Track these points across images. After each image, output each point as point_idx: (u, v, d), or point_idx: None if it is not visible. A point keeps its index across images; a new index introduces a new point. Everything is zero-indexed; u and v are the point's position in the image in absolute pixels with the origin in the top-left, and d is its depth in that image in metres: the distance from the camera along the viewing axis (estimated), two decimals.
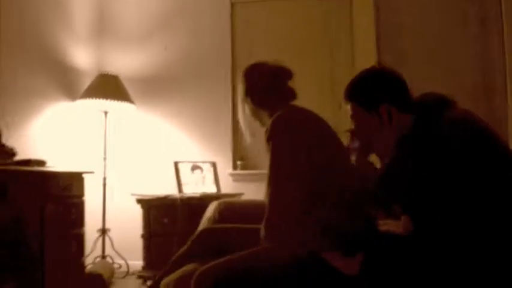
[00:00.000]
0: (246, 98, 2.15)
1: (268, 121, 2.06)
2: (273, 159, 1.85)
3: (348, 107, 1.87)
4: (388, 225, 2.35)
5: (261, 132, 2.03)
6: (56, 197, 3.25)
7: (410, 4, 4.48)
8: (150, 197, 4.03)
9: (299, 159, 1.83)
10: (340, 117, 4.26)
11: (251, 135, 2.25)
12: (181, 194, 3.95)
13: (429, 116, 1.71)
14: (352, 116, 1.86)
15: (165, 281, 2.12)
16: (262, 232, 1.82)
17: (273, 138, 1.86)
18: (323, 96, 4.45)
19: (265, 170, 1.94)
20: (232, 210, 2.85)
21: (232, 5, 4.73)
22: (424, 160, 1.61)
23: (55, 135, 4.13)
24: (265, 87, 2.11)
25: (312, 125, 1.96)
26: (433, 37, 4.02)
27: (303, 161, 1.83)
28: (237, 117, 2.27)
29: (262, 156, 1.95)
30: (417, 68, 4.25)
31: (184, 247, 2.24)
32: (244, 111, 2.20)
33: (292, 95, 2.15)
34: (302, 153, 1.84)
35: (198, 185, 4.16)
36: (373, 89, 1.82)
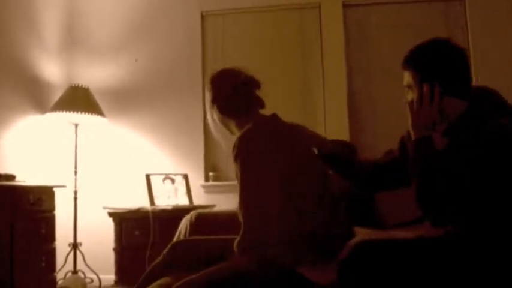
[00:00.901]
0: (213, 106, 2.13)
1: (236, 130, 2.07)
2: (242, 179, 1.83)
3: (405, 73, 1.86)
4: (367, 234, 2.38)
5: (233, 140, 2.02)
6: (25, 212, 3.21)
7: (377, 13, 4.59)
8: (122, 210, 4.00)
9: (267, 175, 1.82)
10: (311, 125, 4.34)
11: (224, 139, 2.22)
12: (153, 207, 3.93)
13: (485, 115, 1.71)
14: (407, 85, 1.86)
15: None
16: (236, 248, 1.82)
17: (240, 157, 1.84)
18: (294, 104, 4.51)
19: (236, 181, 1.93)
20: (205, 222, 2.85)
21: (203, 17, 4.75)
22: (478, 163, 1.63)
23: (25, 149, 4.08)
24: (232, 96, 2.08)
25: (280, 137, 1.94)
26: (402, 48, 4.10)
27: (272, 176, 1.82)
28: (209, 128, 2.24)
29: (233, 168, 1.94)
30: (386, 78, 4.34)
31: (157, 260, 2.23)
32: (212, 117, 2.17)
33: (260, 104, 2.13)
34: (270, 168, 1.82)
35: (170, 197, 4.15)
36: (428, 62, 1.80)
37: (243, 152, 1.85)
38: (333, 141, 3.58)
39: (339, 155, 2.13)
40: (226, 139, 2.21)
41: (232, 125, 2.12)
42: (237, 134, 2.05)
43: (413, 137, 1.79)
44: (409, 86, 1.84)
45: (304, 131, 2.10)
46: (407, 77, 1.85)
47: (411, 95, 1.83)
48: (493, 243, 1.60)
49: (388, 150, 2.17)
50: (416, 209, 1.78)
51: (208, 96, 2.16)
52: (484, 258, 1.59)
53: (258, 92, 2.14)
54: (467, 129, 1.70)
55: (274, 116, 2.07)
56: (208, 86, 2.16)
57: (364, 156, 2.32)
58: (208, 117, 2.20)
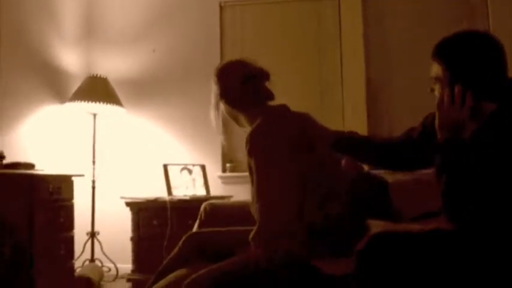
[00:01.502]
0: (221, 99, 2.10)
1: (245, 123, 2.05)
2: (258, 174, 1.82)
3: (434, 64, 1.76)
4: (381, 226, 2.36)
5: (241, 133, 2.00)
6: (45, 201, 3.24)
7: (397, 8, 4.53)
8: (139, 200, 4.02)
9: (283, 171, 1.80)
10: (327, 120, 4.33)
11: (224, 137, 2.20)
12: (170, 197, 3.94)
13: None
14: (435, 77, 1.76)
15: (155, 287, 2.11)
16: (252, 242, 1.81)
17: (254, 152, 1.83)
18: (311, 97, 4.48)
19: (249, 174, 1.91)
20: (219, 212, 2.86)
21: (221, 8, 4.74)
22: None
23: (44, 138, 4.12)
24: (241, 88, 2.05)
25: (291, 128, 1.91)
26: (422, 38, 4.04)
27: (287, 172, 1.80)
28: (227, 119, 2.22)
29: (246, 161, 1.92)
30: (405, 71, 4.30)
31: (173, 252, 2.24)
32: (217, 111, 2.14)
33: (269, 95, 2.08)
34: (285, 163, 1.81)
35: (187, 187, 4.16)
36: (463, 61, 1.69)
37: (256, 147, 1.83)
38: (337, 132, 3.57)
39: (355, 138, 2.10)
40: (235, 134, 2.19)
41: (242, 118, 2.09)
42: (246, 126, 2.03)
43: (439, 137, 1.72)
44: (437, 79, 1.75)
45: (312, 120, 2.07)
46: (436, 69, 1.75)
47: (438, 89, 1.75)
48: (507, 238, 1.58)
49: (408, 129, 2.09)
50: (431, 202, 1.75)
51: (214, 90, 2.12)
52: (500, 252, 1.57)
53: (268, 84, 2.10)
54: (497, 130, 1.63)
55: (284, 107, 2.03)
56: (214, 79, 2.13)
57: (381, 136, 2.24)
58: (211, 112, 2.17)
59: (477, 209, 1.61)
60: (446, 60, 1.72)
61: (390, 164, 2.14)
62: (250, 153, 1.84)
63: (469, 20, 4.35)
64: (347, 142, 2.09)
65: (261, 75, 2.08)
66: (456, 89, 1.67)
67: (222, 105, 2.12)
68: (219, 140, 4.40)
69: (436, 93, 1.77)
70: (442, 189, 1.68)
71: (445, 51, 1.74)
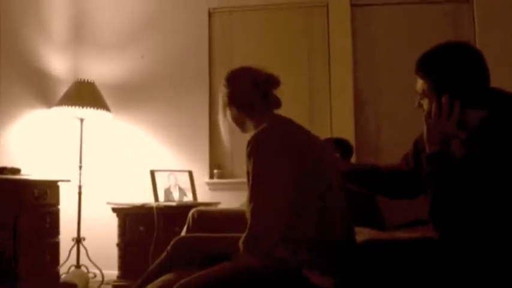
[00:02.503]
0: (230, 103, 2.09)
1: (251, 129, 2.05)
2: (255, 176, 1.81)
3: (419, 80, 1.79)
4: (366, 234, 2.37)
5: (240, 140, 2.00)
6: (30, 206, 3.22)
7: (386, 16, 4.58)
8: (126, 206, 4.01)
9: (280, 174, 1.80)
10: (315, 127, 4.36)
11: (231, 139, 2.20)
12: (157, 203, 3.93)
13: (503, 124, 1.66)
14: (421, 92, 1.79)
15: None
16: (243, 246, 1.81)
17: (254, 154, 1.82)
18: (300, 104, 4.50)
19: (241, 179, 1.92)
20: (207, 219, 2.85)
21: (210, 14, 4.75)
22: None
23: (30, 143, 4.09)
24: (252, 93, 2.05)
25: (294, 140, 1.90)
26: (409, 49, 4.09)
27: (284, 177, 1.81)
28: (214, 125, 2.22)
29: (239, 165, 1.92)
30: (392, 79, 4.33)
31: (161, 257, 2.23)
32: (225, 116, 2.13)
33: (277, 103, 2.09)
34: (283, 169, 1.81)
35: (174, 194, 4.15)
36: (445, 72, 1.71)
37: (257, 150, 1.83)
38: (329, 139, 3.59)
39: (363, 169, 2.13)
40: (234, 140, 2.19)
41: (248, 123, 2.08)
42: (251, 132, 2.03)
43: (427, 150, 1.75)
44: (423, 93, 1.78)
45: (314, 136, 2.09)
46: (421, 84, 1.78)
47: (426, 103, 1.77)
48: (497, 247, 1.59)
49: (405, 155, 2.13)
50: (417, 210, 1.76)
51: (224, 94, 2.11)
52: (488, 260, 1.58)
53: (276, 92, 2.11)
54: (486, 140, 1.65)
55: (290, 120, 2.05)
56: (224, 83, 2.11)
57: (384, 164, 2.28)
58: (220, 116, 2.16)
59: (464, 219, 1.62)
60: (429, 74, 1.75)
61: (397, 194, 2.17)
62: (250, 155, 1.83)
63: (456, 28, 4.41)
64: (359, 175, 2.12)
65: (272, 82, 2.09)
66: (443, 99, 1.70)
67: (229, 110, 2.11)
68: (207, 146, 4.48)
69: (425, 107, 1.79)
70: (430, 200, 1.69)
71: (426, 66, 1.77)
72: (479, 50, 1.75)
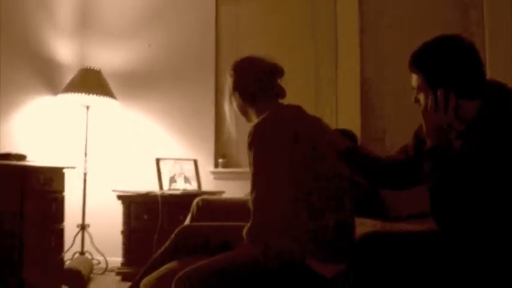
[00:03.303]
0: (235, 92, 2.10)
1: (255, 118, 2.05)
2: (256, 166, 1.81)
3: (414, 75, 1.81)
4: (370, 225, 2.37)
5: (245, 129, 2.01)
6: (36, 192, 3.23)
7: (394, 5, 4.53)
8: (130, 194, 4.02)
9: (281, 165, 1.80)
10: (322, 115, 4.34)
11: (236, 129, 2.20)
12: (162, 191, 3.94)
13: (499, 116, 1.67)
14: (416, 87, 1.81)
15: (145, 280, 2.11)
16: (246, 237, 1.82)
17: (255, 145, 1.82)
18: (306, 94, 4.47)
19: (246, 169, 1.92)
20: (211, 208, 2.86)
21: (217, 3, 4.72)
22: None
23: (36, 129, 4.10)
24: (255, 83, 2.06)
25: (295, 129, 1.89)
26: (417, 37, 4.07)
27: (285, 167, 1.81)
28: (220, 114, 2.23)
29: (244, 155, 1.92)
30: (399, 69, 4.30)
31: (165, 245, 2.24)
32: (231, 104, 2.15)
33: (282, 93, 2.10)
34: (284, 158, 1.81)
35: (179, 182, 4.16)
36: (437, 66, 1.73)
37: (257, 140, 1.83)
38: (334, 130, 3.58)
39: (364, 155, 2.12)
40: (239, 129, 2.19)
41: (252, 113, 2.09)
42: (254, 121, 2.03)
43: (428, 144, 1.76)
44: (419, 88, 1.79)
45: (324, 125, 2.08)
46: (415, 79, 1.80)
47: (422, 98, 1.78)
48: (496, 239, 1.59)
49: (403, 146, 2.13)
50: (422, 203, 1.76)
51: (229, 83, 2.13)
52: (488, 252, 1.59)
53: (280, 81, 2.12)
54: (482, 132, 1.66)
55: (297, 108, 2.04)
56: (230, 73, 2.12)
57: (383, 154, 2.28)
58: (226, 105, 2.18)
59: (463, 211, 1.62)
60: (423, 68, 1.76)
61: (394, 185, 2.16)
62: (250, 146, 1.83)
63: (464, 20, 4.37)
64: (357, 156, 2.11)
65: (276, 71, 2.10)
66: (439, 93, 1.71)
67: (234, 99, 2.12)
68: (212, 135, 4.48)
69: (421, 101, 1.80)
70: (430, 193, 1.70)
71: (419, 60, 1.78)
72: (471, 41, 1.76)
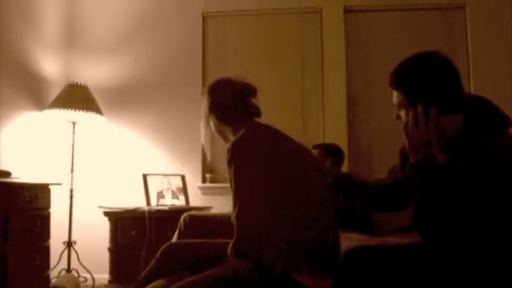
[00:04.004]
0: (211, 114, 2.14)
1: (231, 138, 2.07)
2: (236, 182, 1.83)
3: (394, 92, 1.84)
4: (356, 239, 2.37)
5: (224, 147, 2.02)
6: (21, 209, 3.19)
7: (378, 20, 4.60)
8: (117, 210, 3.99)
9: (261, 179, 1.82)
10: (308, 132, 4.37)
11: (210, 149, 2.25)
12: (149, 207, 3.92)
13: (481, 131, 1.69)
14: (397, 104, 1.83)
15: None
16: (230, 252, 1.81)
17: (234, 161, 1.84)
18: (293, 108, 4.50)
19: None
20: (198, 224, 2.85)
21: (204, 18, 4.75)
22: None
23: (21, 145, 4.06)
24: (230, 103, 2.10)
25: (273, 143, 1.93)
26: (402, 54, 4.12)
27: (265, 181, 1.82)
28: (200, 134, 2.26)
29: (227, 172, 1.94)
30: (385, 83, 4.34)
31: (151, 263, 2.22)
32: (207, 126, 2.19)
33: (256, 111, 2.15)
34: (264, 173, 1.82)
35: (166, 198, 4.14)
36: (417, 82, 1.75)
37: (236, 156, 1.85)
38: (321, 145, 3.60)
39: (353, 180, 2.14)
40: (214, 148, 2.23)
41: (229, 133, 2.12)
42: (232, 140, 2.05)
43: (411, 160, 1.78)
44: (400, 105, 1.82)
45: (295, 141, 2.10)
46: (396, 96, 1.83)
47: (403, 114, 1.81)
48: (482, 253, 1.60)
49: (391, 168, 2.15)
50: (409, 216, 1.77)
51: (205, 105, 2.17)
52: (474, 266, 1.59)
53: (254, 100, 2.16)
54: (465, 146, 1.68)
55: (269, 126, 2.07)
56: (205, 95, 2.17)
57: (374, 179, 2.30)
58: (202, 128, 2.21)
59: (448, 226, 1.63)
60: (402, 85, 1.79)
61: (387, 208, 2.18)
62: (230, 162, 1.85)
63: (449, 35, 4.43)
64: (347, 182, 2.13)
65: (249, 91, 2.14)
66: (419, 109, 1.74)
67: (211, 120, 2.16)
68: (200, 150, 4.47)
69: (402, 117, 1.82)
70: (414, 208, 1.71)
71: (398, 78, 1.81)
72: (448, 57, 1.79)
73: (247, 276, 1.75)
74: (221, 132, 2.17)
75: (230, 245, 1.80)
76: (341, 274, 1.61)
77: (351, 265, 1.63)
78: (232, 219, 1.81)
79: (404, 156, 2.00)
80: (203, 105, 2.19)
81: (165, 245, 2.28)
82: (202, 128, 2.21)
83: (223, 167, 1.92)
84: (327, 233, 1.88)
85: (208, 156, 2.25)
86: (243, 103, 2.11)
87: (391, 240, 2.52)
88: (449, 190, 1.64)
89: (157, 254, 2.22)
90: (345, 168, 3.84)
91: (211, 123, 2.17)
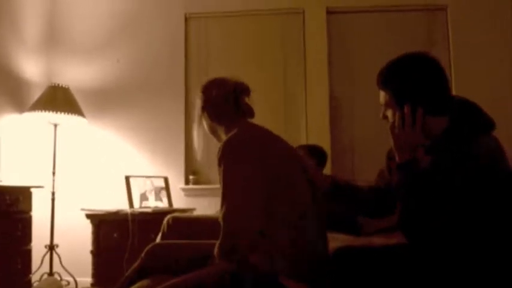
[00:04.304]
0: (204, 113, 2.14)
1: (224, 137, 2.06)
2: (225, 181, 1.82)
3: (381, 92, 1.84)
4: (341, 240, 2.38)
5: (216, 145, 2.02)
6: (1, 213, 3.17)
7: (361, 21, 4.63)
8: (100, 212, 3.96)
9: (251, 180, 1.81)
10: (291, 133, 4.38)
11: (205, 148, 2.23)
12: (132, 209, 3.89)
13: (466, 132, 1.70)
14: (384, 104, 1.83)
15: None
16: (217, 253, 1.80)
17: (224, 160, 1.83)
18: (275, 109, 4.52)
19: (217, 185, 1.92)
20: (182, 226, 2.85)
21: (186, 19, 4.74)
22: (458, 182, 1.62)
23: (2, 148, 4.01)
24: (223, 102, 2.09)
25: (265, 145, 1.93)
26: (384, 56, 4.15)
27: (255, 181, 1.82)
28: (190, 131, 2.25)
29: (215, 171, 1.93)
30: (367, 84, 4.36)
31: (135, 264, 2.21)
32: (200, 126, 2.18)
33: (249, 111, 2.14)
34: (254, 174, 1.82)
35: (149, 200, 4.12)
36: (404, 83, 1.76)
37: (226, 156, 1.84)
38: (304, 146, 3.60)
39: (351, 188, 2.14)
40: (210, 145, 2.22)
41: (221, 132, 2.11)
42: (224, 139, 2.04)
43: (397, 160, 1.78)
44: (387, 105, 1.82)
45: (286, 143, 2.10)
46: (383, 96, 1.83)
47: (390, 114, 1.82)
48: (465, 254, 1.61)
49: (380, 170, 2.16)
50: (394, 216, 1.78)
51: (198, 104, 2.17)
52: (457, 267, 1.60)
53: (248, 100, 2.15)
54: (450, 148, 1.69)
55: (261, 127, 2.07)
56: (199, 94, 2.17)
57: (363, 184, 2.30)
58: (194, 126, 2.22)
59: (433, 227, 1.64)
60: (389, 85, 1.80)
61: (381, 212, 2.18)
62: (220, 162, 1.84)
63: (431, 36, 4.47)
64: (342, 192, 2.14)
65: (242, 90, 2.13)
66: (405, 109, 1.74)
67: (204, 120, 2.16)
68: (182, 152, 4.46)
69: (389, 118, 1.83)
70: (400, 208, 1.72)
71: (386, 78, 1.82)
72: (436, 59, 1.80)
73: (233, 278, 1.75)
74: (214, 132, 2.16)
75: (216, 245, 1.79)
76: (326, 275, 1.62)
77: (336, 265, 1.63)
78: (220, 219, 1.80)
79: (390, 159, 2.01)
80: (197, 104, 2.19)
81: (150, 245, 2.27)
82: (194, 129, 2.22)
83: (206, 169, 1.92)
84: (316, 237, 1.88)
85: (198, 156, 2.24)
86: (236, 102, 2.10)
87: (377, 240, 2.53)
88: (434, 192, 1.65)
89: (142, 255, 2.21)
90: (328, 168, 3.85)
91: (204, 123, 2.16)
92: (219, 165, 1.85)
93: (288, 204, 1.84)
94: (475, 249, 1.61)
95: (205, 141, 2.26)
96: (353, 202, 2.16)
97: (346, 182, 2.24)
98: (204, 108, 2.14)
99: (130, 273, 2.20)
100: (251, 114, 2.14)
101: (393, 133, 1.79)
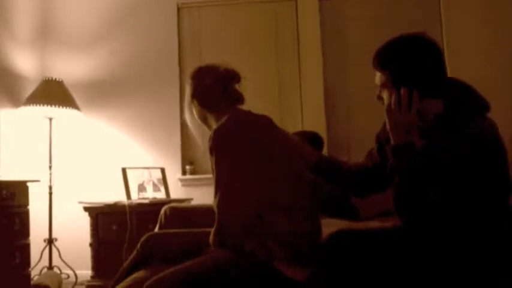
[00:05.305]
0: (193, 100, 2.12)
1: (214, 125, 2.05)
2: (218, 169, 1.82)
3: (378, 73, 1.83)
4: (337, 225, 2.38)
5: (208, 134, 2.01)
6: None
7: (355, 8, 4.60)
8: (97, 205, 3.96)
9: (243, 167, 1.81)
10: (286, 120, 4.37)
11: (201, 135, 2.21)
12: (129, 201, 3.89)
13: (461, 115, 1.69)
14: (380, 85, 1.83)
15: None
16: (212, 241, 1.81)
17: (216, 149, 1.83)
18: (270, 98, 4.51)
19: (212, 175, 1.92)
20: (179, 216, 2.84)
21: (179, 9, 4.72)
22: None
23: None
24: (212, 89, 2.08)
25: (257, 131, 1.92)
26: (377, 42, 4.14)
27: (247, 169, 1.81)
28: (185, 121, 2.23)
29: (209, 161, 1.92)
30: (361, 71, 4.35)
31: (132, 254, 2.21)
32: (191, 113, 2.17)
33: (240, 98, 2.12)
34: (246, 161, 1.81)
35: (147, 191, 4.12)
36: (401, 64, 1.75)
37: (218, 143, 1.84)
38: (300, 132, 3.60)
39: (330, 162, 2.14)
40: (203, 135, 2.20)
41: (211, 120, 2.10)
42: (214, 127, 2.03)
43: (392, 142, 1.77)
44: (383, 85, 1.81)
45: (279, 128, 2.09)
46: (379, 77, 1.82)
47: (386, 95, 1.81)
48: (460, 236, 1.62)
49: (369, 152, 2.15)
50: (389, 200, 1.78)
51: (188, 91, 2.15)
52: (452, 249, 1.61)
53: (238, 87, 2.13)
54: (445, 131, 1.68)
55: (251, 113, 2.05)
56: (188, 81, 2.16)
57: (352, 162, 2.31)
58: (186, 114, 2.20)
59: (427, 209, 1.64)
60: (386, 66, 1.79)
61: (365, 192, 2.19)
62: (211, 150, 1.84)
63: (424, 23, 4.45)
64: (328, 166, 2.13)
65: (232, 77, 2.12)
66: (402, 91, 1.73)
67: (194, 107, 2.15)
68: (179, 142, 4.45)
69: (385, 99, 1.82)
70: (394, 191, 1.72)
71: (383, 59, 1.81)
72: (435, 40, 1.78)
73: (229, 265, 1.75)
74: (204, 120, 2.14)
75: (211, 234, 1.80)
76: (322, 258, 1.62)
77: (332, 249, 1.63)
78: (214, 207, 1.80)
79: (380, 140, 2.01)
80: (186, 91, 2.17)
81: (145, 236, 2.27)
82: (186, 115, 2.20)
83: (202, 158, 1.91)
84: (309, 222, 1.88)
85: (200, 142, 2.21)
86: (226, 89, 2.08)
87: (372, 224, 2.54)
88: (428, 174, 1.65)
89: (138, 245, 2.21)
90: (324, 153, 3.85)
91: (194, 111, 2.15)
92: (211, 153, 1.84)
93: (280, 189, 1.84)
94: (469, 230, 1.61)
95: (202, 128, 2.24)
96: (337, 178, 2.16)
97: (333, 158, 2.24)
98: (193, 95, 2.12)
99: (127, 264, 2.21)
100: (241, 100, 2.12)
101: (389, 115, 1.78)
